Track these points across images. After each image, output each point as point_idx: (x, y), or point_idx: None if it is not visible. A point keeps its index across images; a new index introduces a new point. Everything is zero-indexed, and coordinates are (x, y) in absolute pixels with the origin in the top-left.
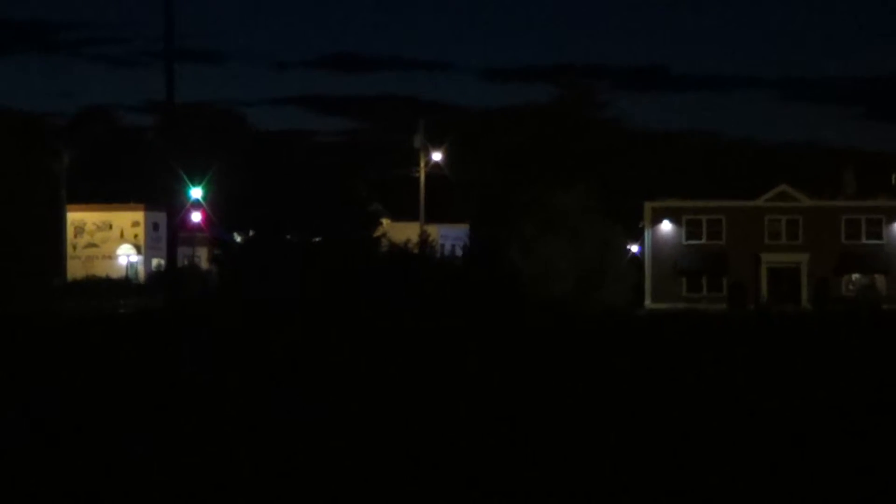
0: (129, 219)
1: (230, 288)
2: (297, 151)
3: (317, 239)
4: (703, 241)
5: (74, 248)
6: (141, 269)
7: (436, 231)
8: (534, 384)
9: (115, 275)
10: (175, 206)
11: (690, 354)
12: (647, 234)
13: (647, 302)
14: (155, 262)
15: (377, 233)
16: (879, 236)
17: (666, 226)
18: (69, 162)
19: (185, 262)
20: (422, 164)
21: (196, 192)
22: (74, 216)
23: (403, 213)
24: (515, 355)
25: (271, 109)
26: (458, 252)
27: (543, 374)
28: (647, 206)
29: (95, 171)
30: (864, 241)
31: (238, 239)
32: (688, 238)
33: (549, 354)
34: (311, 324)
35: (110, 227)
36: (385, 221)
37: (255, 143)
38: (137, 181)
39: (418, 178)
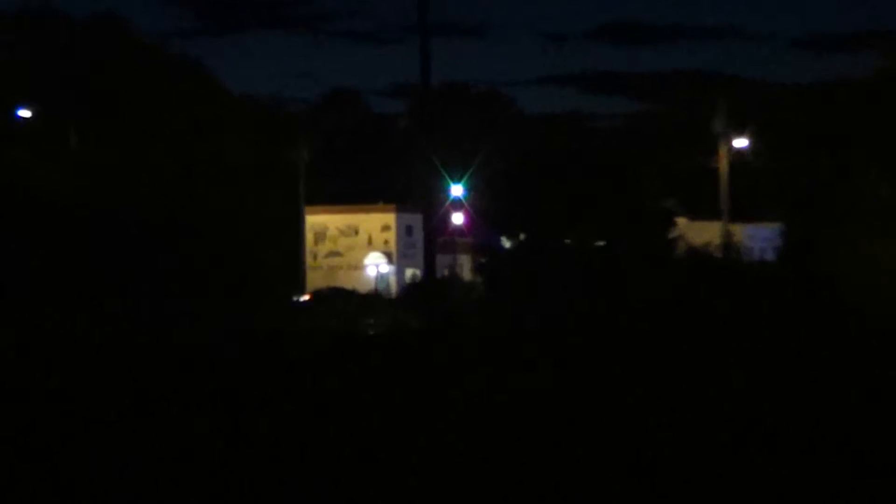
0: (379, 222)
1: (496, 304)
2: (574, 138)
3: (600, 243)
4: None
5: (315, 257)
6: (393, 281)
7: (740, 231)
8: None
9: (362, 288)
10: (433, 206)
11: None
12: None
13: None
14: (409, 272)
15: (672, 234)
16: None
17: None
18: (310, 156)
19: (445, 273)
20: (722, 152)
21: (457, 190)
22: (315, 219)
23: (701, 210)
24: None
25: (541, 90)
26: (768, 256)
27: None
28: None
29: (337, 165)
30: None
31: (507, 244)
32: None
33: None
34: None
35: (356, 231)
36: (680, 221)
37: (524, 129)
38: (387, 177)
39: (718, 169)
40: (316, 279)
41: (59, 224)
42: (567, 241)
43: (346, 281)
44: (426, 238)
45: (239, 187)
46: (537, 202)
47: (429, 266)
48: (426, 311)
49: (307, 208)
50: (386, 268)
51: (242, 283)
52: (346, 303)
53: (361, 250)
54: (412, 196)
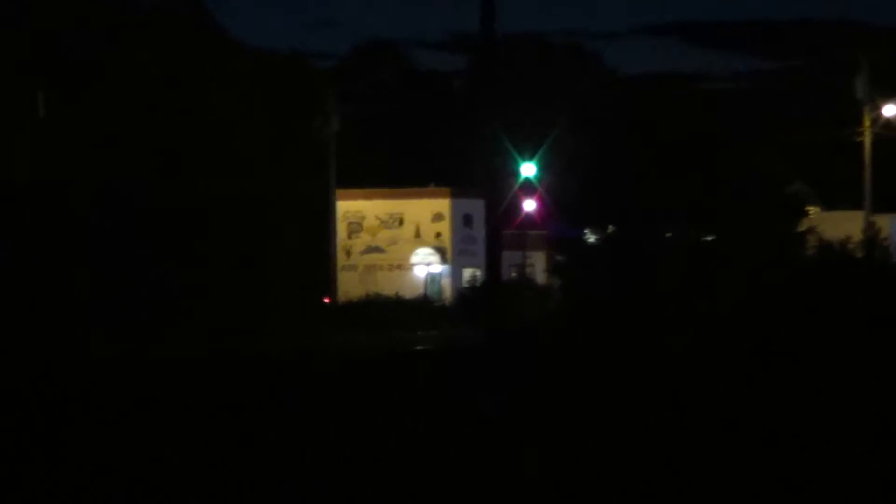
0: (429, 209)
1: (579, 313)
2: (676, 105)
3: (708, 238)
4: None
5: (348, 253)
6: (447, 284)
7: (889, 224)
8: None
9: (408, 292)
10: (498, 190)
11: None
12: None
13: None
14: (467, 272)
15: (801, 226)
16: None
17: None
18: (341, 125)
19: (513, 274)
20: (866, 124)
21: (528, 169)
22: (348, 206)
23: (837, 197)
24: None
25: (635, 43)
26: None
27: None
28: None
29: (376, 137)
30: None
31: (591, 238)
32: None
33: None
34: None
35: (401, 222)
36: (811, 210)
37: (614, 93)
38: (439, 153)
39: (860, 144)
40: (350, 281)
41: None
42: (668, 234)
43: (387, 284)
44: (489, 230)
45: (250, 166)
46: (631, 186)
47: (492, 266)
48: (488, 323)
49: (338, 192)
50: (438, 267)
51: (248, 288)
52: (384, 311)
53: (407, 245)
54: (471, 177)
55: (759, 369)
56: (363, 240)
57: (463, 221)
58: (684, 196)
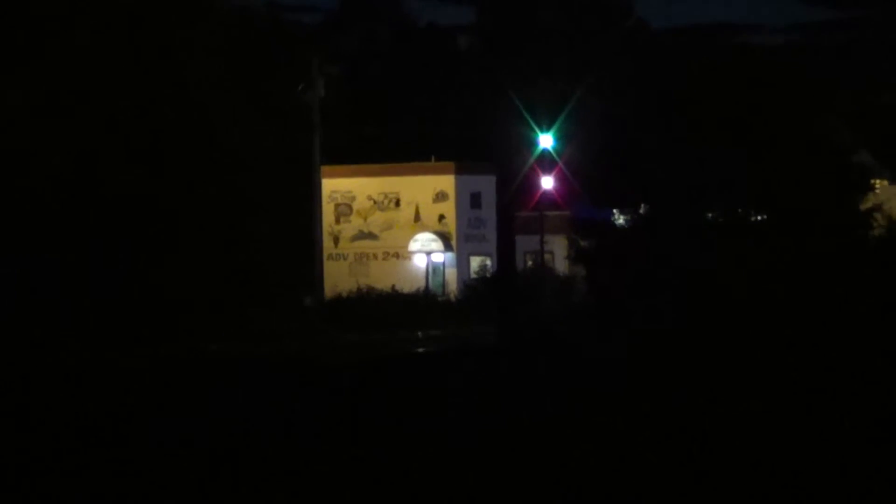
0: (430, 187)
1: (609, 309)
2: (722, 63)
3: (757, 217)
4: None
5: (336, 240)
6: (452, 275)
7: None
8: None
9: (407, 286)
10: (511, 165)
11: None
12: None
13: None
14: (475, 261)
15: (866, 203)
16: None
17: None
18: (326, 91)
19: (529, 263)
20: None
21: (546, 140)
22: (335, 184)
23: None
24: None
25: None
26: None
27: None
28: None
29: (367, 104)
30: None
31: (620, 220)
32: None
33: None
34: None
35: (397, 202)
36: (879, 184)
37: (648, 50)
38: (442, 122)
39: None
40: (338, 273)
41: None
42: (710, 214)
43: (381, 276)
44: (501, 211)
45: (222, 141)
46: (667, 158)
47: (505, 253)
48: (502, 321)
49: (324, 168)
50: (441, 256)
51: (220, 282)
52: (377, 307)
53: (405, 230)
54: (480, 150)
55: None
56: (353, 224)
57: (470, 202)
58: (731, 169)
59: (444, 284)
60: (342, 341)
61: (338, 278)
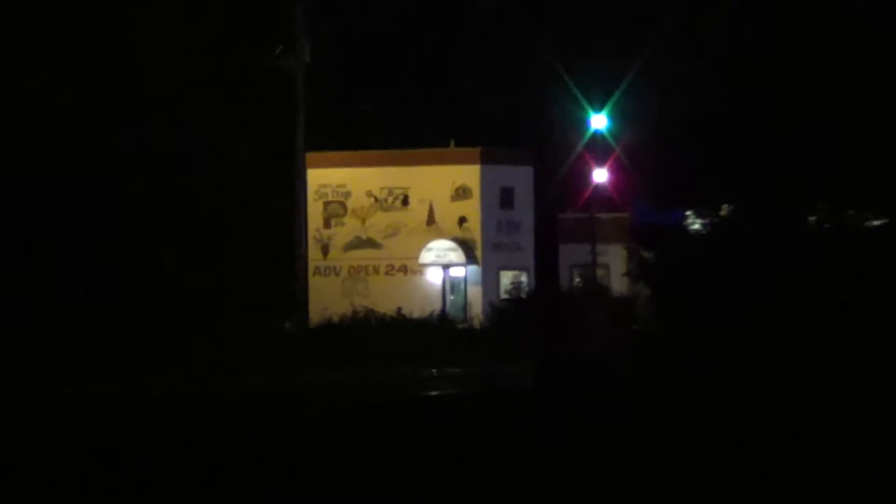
0: (447, 181)
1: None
2: (829, 25)
3: (876, 222)
4: None
5: (326, 248)
6: (476, 295)
7: None
8: None
9: (417, 308)
10: (552, 153)
11: None
12: None
13: None
14: (507, 276)
15: None
16: None
17: None
18: (312, 56)
19: (577, 280)
20: None
21: (598, 121)
22: (324, 176)
23: None
24: None
25: None
26: None
27: None
28: None
29: (366, 76)
30: None
31: (696, 224)
32: None
33: None
34: None
35: (404, 200)
36: None
37: (723, 16)
38: (461, 100)
39: None
40: (328, 291)
41: None
42: (812, 218)
43: (383, 295)
44: (540, 213)
45: (188, 123)
46: (760, 147)
47: (546, 266)
48: (542, 357)
49: (310, 156)
50: (462, 270)
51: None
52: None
53: (415, 236)
54: (513, 133)
55: None
56: (348, 228)
57: (500, 199)
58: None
59: (465, 307)
60: (323, 379)
61: (328, 298)
